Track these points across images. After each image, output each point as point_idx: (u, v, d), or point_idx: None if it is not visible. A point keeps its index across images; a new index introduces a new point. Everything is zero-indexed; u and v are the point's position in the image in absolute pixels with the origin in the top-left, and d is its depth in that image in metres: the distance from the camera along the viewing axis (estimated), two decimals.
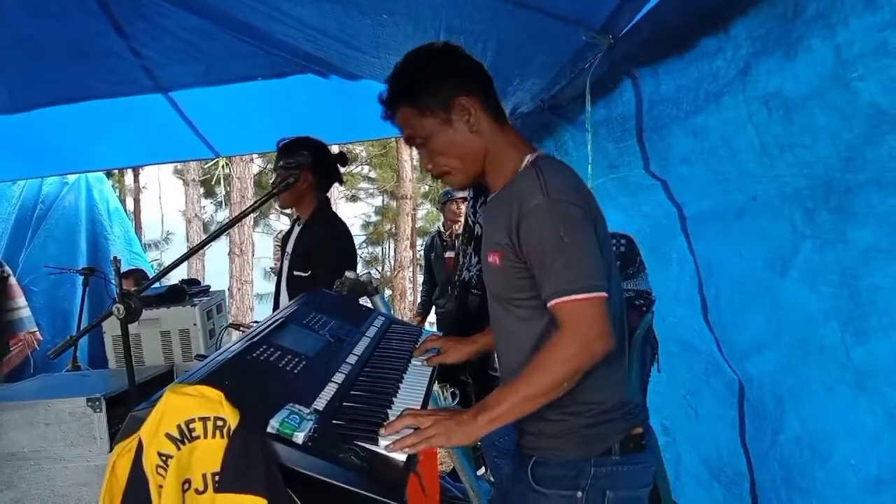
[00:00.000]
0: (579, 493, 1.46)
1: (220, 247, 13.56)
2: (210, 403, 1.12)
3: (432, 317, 5.82)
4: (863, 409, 1.51)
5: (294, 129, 3.04)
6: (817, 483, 1.78)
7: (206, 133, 4.63)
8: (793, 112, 1.44)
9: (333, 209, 3.10)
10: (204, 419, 1.10)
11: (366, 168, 17.31)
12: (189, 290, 3.24)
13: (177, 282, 3.46)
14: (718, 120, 1.74)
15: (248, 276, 12.07)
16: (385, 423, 1.41)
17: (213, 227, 15.65)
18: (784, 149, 1.52)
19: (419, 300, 5.86)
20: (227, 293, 3.80)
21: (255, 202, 2.41)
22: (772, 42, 1.40)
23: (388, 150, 15.21)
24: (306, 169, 2.76)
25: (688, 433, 2.92)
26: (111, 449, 2.18)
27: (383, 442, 1.35)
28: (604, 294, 1.37)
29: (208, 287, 3.52)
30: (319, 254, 2.76)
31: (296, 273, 2.81)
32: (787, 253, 1.63)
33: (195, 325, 3.06)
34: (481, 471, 3.75)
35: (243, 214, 2.19)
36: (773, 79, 1.43)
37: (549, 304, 1.39)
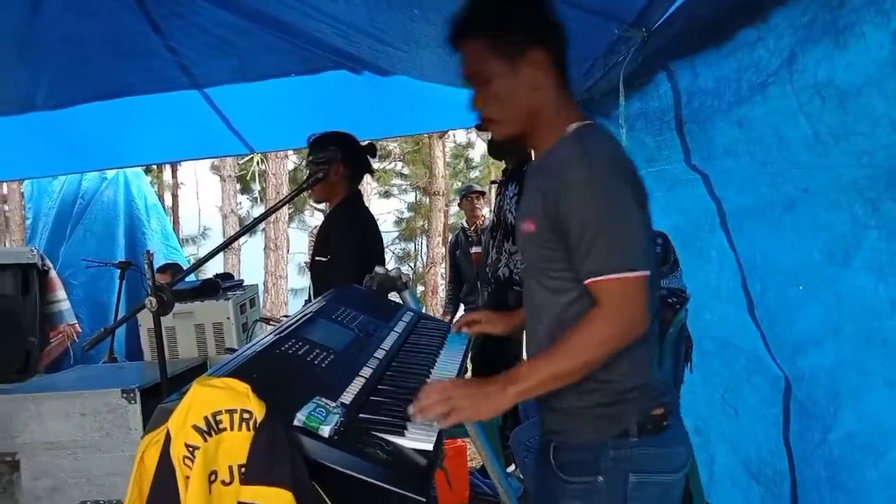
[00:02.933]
0: (600, 478, 1.42)
1: (255, 242, 13.72)
2: (237, 396, 1.12)
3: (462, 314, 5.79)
4: None
5: (327, 125, 3.05)
6: (867, 482, 1.72)
7: (241, 129, 4.66)
8: (847, 100, 1.40)
9: (365, 202, 3.11)
10: (231, 411, 1.10)
11: (399, 164, 17.35)
12: (223, 284, 3.27)
13: (211, 276, 3.50)
14: (766, 110, 1.69)
15: (283, 271, 12.18)
16: (416, 397, 1.39)
17: (248, 223, 15.82)
18: (839, 138, 1.46)
19: (446, 299, 5.83)
20: (260, 287, 3.83)
21: (286, 197, 2.43)
22: (817, 31, 1.36)
23: (420, 147, 15.21)
24: (335, 163, 2.79)
25: (725, 433, 2.86)
26: None
27: (411, 410, 1.36)
28: (647, 273, 1.32)
29: (242, 281, 3.56)
30: (337, 238, 2.80)
31: (317, 258, 2.87)
32: (848, 243, 1.58)
33: (228, 318, 3.10)
34: (511, 468, 3.73)
35: (274, 209, 2.20)
36: (822, 67, 1.39)
37: (587, 281, 1.35)
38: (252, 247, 13.88)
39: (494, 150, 3.98)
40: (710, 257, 2.44)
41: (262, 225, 12.32)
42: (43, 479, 2.43)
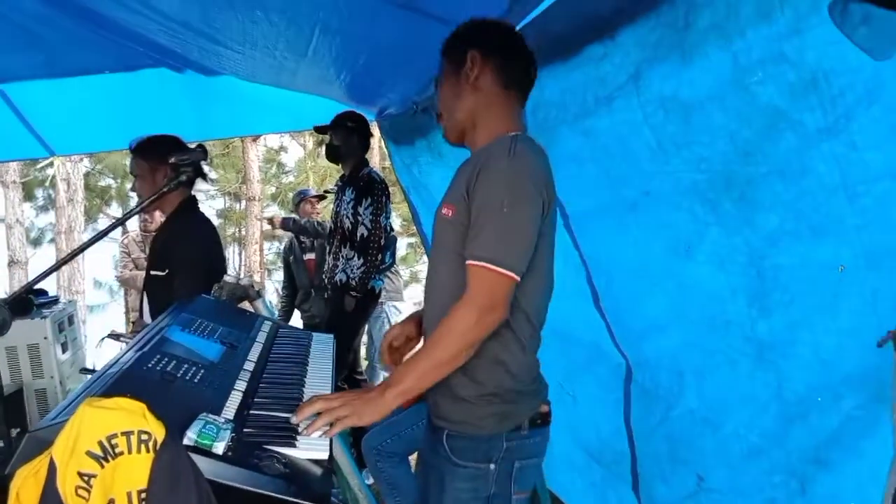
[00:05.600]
0: (492, 466, 1.53)
1: (45, 255, 12.47)
2: (132, 416, 1.03)
3: (295, 323, 5.66)
4: (758, 381, 1.67)
5: (142, 127, 2.87)
6: (705, 453, 1.93)
7: (41, 130, 4.23)
8: (690, 113, 1.57)
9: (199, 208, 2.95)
10: (127, 433, 1.01)
11: (205, 168, 16.54)
12: (36, 301, 2.96)
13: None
14: (611, 122, 1.84)
15: (80, 285, 11.16)
16: (295, 411, 1.41)
17: (33, 233, 14.30)
18: (681, 147, 1.64)
19: (280, 304, 5.68)
20: (77, 303, 3.50)
21: (144, 201, 2.25)
22: (664, 49, 1.52)
23: (230, 150, 14.61)
24: (164, 168, 2.60)
25: (563, 420, 3.05)
26: None
27: (296, 423, 1.38)
28: (516, 277, 1.42)
29: (57, 297, 3.23)
30: (178, 250, 2.64)
31: (153, 272, 2.68)
32: (691, 239, 1.76)
33: (46, 338, 2.80)
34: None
35: (131, 214, 2.04)
36: (668, 83, 1.55)
37: (468, 261, 1.43)
38: (40, 260, 12.59)
39: (331, 153, 3.95)
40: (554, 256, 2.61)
41: (48, 235, 11.21)
42: None
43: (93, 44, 3.29)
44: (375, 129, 4.24)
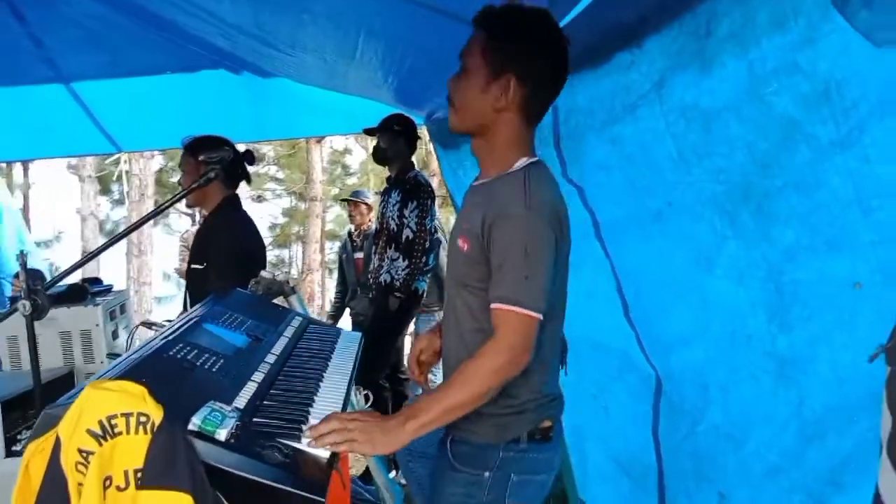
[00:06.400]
0: (486, 474, 1.55)
1: (116, 247, 12.95)
2: (132, 399, 1.09)
3: (345, 322, 5.76)
4: (779, 398, 1.63)
5: (202, 126, 2.97)
6: (727, 471, 1.89)
7: (109, 127, 4.43)
8: (709, 123, 1.55)
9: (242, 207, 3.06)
10: (126, 415, 1.07)
11: (273, 168, 16.96)
12: (91, 290, 3.10)
13: (78, 280, 3.30)
14: (636, 129, 1.83)
15: (148, 277, 11.60)
16: (309, 427, 1.41)
17: (108, 226, 14.95)
18: (701, 157, 1.62)
19: (332, 302, 5.80)
20: (131, 293, 3.66)
21: (174, 196, 2.35)
22: (686, 57, 1.50)
23: (296, 151, 14.96)
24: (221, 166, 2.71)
25: (597, 431, 3.03)
26: (7, 454, 2.07)
27: (305, 439, 1.36)
28: (540, 317, 1.44)
29: (111, 286, 3.38)
30: (215, 245, 2.74)
31: (193, 266, 2.79)
32: (711, 252, 1.74)
33: (98, 325, 2.93)
34: (392, 473, 3.76)
35: (157, 211, 2.12)
36: (689, 92, 1.54)
37: (492, 305, 1.46)
38: (112, 251, 13.10)
39: (379, 155, 4.02)
40: (585, 264, 2.59)
41: (121, 228, 11.70)
42: None
43: (154, 45, 3.44)
44: (424, 133, 4.29)
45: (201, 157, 2.72)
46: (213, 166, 2.31)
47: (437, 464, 1.68)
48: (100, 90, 3.94)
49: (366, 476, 3.72)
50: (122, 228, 11.54)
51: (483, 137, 1.60)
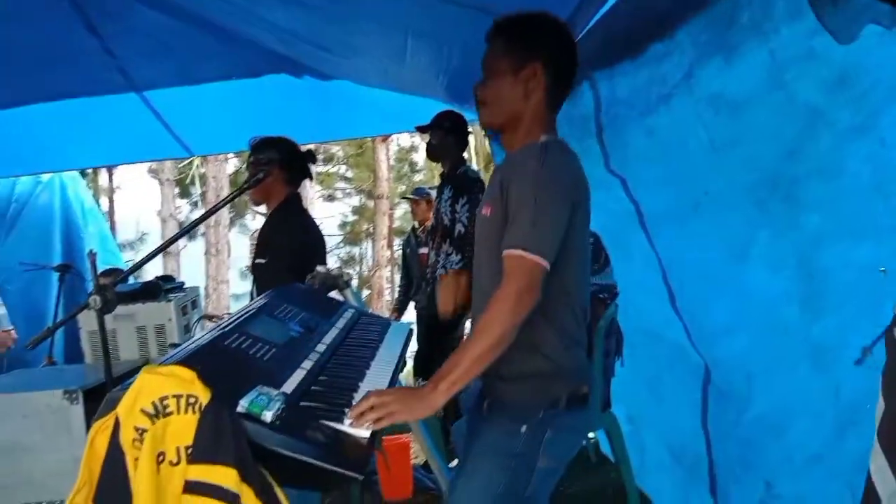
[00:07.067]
0: (523, 428, 1.62)
1: (195, 247, 13.51)
2: (182, 382, 1.20)
3: (411, 315, 5.87)
4: (815, 387, 1.63)
5: (268, 129, 3.10)
6: (772, 460, 1.89)
7: (180, 132, 4.65)
8: (736, 111, 1.56)
9: (305, 206, 3.18)
10: (177, 396, 1.18)
11: (342, 168, 17.32)
12: (164, 286, 3.30)
13: (152, 278, 3.51)
14: (670, 119, 1.85)
15: (224, 275, 12.06)
16: (351, 407, 1.48)
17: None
18: (731, 145, 1.64)
19: (397, 297, 5.93)
20: (201, 289, 3.85)
21: (226, 197, 2.49)
22: (712, 47, 1.52)
23: (364, 150, 15.23)
24: (275, 165, 2.84)
25: (652, 420, 3.03)
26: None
27: (347, 421, 1.43)
28: (545, 264, 1.50)
29: (182, 283, 3.57)
30: (274, 240, 2.87)
31: (256, 261, 2.92)
32: (746, 240, 1.75)
33: (170, 320, 3.12)
34: (454, 463, 3.83)
35: (214, 210, 2.26)
36: (715, 81, 1.55)
37: (504, 252, 1.54)
38: (192, 252, 13.67)
39: (432, 152, 4.10)
40: (633, 255, 2.60)
41: (201, 229, 12.18)
42: None
43: (219, 52, 3.62)
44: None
45: (252, 159, 2.87)
46: (263, 167, 2.43)
47: (471, 426, 1.76)
48: (170, 97, 4.14)
49: (428, 465, 3.81)
50: (200, 230, 12.03)
51: (513, 130, 1.70)
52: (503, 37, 1.70)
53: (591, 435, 3.73)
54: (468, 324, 5.29)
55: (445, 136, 3.94)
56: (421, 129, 4.08)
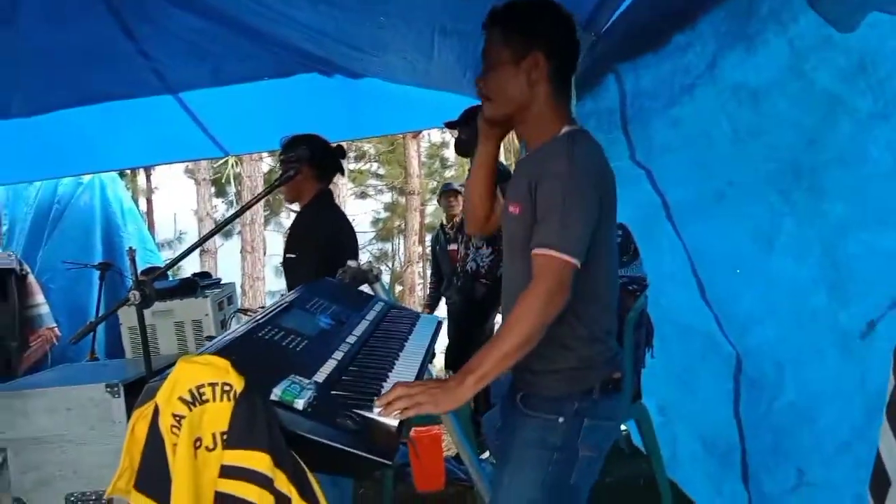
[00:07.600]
0: (561, 419, 1.63)
1: (231, 245, 13.74)
2: (218, 371, 1.25)
3: (442, 311, 5.90)
4: (845, 374, 1.64)
5: (301, 127, 3.14)
6: (804, 448, 1.89)
7: (215, 132, 4.74)
8: (758, 101, 1.57)
9: (336, 202, 3.23)
10: (213, 384, 1.23)
11: (374, 165, 17.44)
12: (201, 283, 3.38)
13: (189, 275, 3.60)
14: (693, 110, 1.85)
15: (260, 273, 12.25)
16: (379, 397, 1.52)
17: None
18: (754, 135, 1.64)
19: (428, 293, 5.97)
20: (237, 285, 3.94)
21: (258, 195, 2.55)
22: (732, 37, 1.52)
23: (395, 147, 15.32)
24: (304, 162, 2.88)
25: (684, 411, 3.03)
26: None
27: (376, 409, 1.48)
28: (576, 263, 1.51)
29: (219, 280, 3.66)
30: (304, 236, 2.92)
31: (287, 255, 2.98)
32: (769, 231, 1.76)
33: (207, 315, 3.20)
34: (485, 454, 3.86)
35: (246, 207, 2.32)
36: (737, 71, 1.56)
37: (533, 252, 1.54)
38: (228, 250, 13.91)
39: (461, 148, 4.12)
40: (661, 246, 2.61)
41: (237, 227, 12.38)
42: (30, 473, 2.49)
43: (251, 54, 3.69)
44: None
45: (282, 157, 2.92)
46: (293, 165, 2.49)
47: (506, 421, 1.77)
48: (204, 98, 4.23)
49: (460, 457, 3.84)
50: (236, 229, 12.23)
51: (523, 120, 1.70)
52: (500, 26, 1.66)
53: (622, 427, 3.73)
54: (499, 317, 5.34)
55: (473, 131, 3.95)
56: (450, 125, 4.11)
